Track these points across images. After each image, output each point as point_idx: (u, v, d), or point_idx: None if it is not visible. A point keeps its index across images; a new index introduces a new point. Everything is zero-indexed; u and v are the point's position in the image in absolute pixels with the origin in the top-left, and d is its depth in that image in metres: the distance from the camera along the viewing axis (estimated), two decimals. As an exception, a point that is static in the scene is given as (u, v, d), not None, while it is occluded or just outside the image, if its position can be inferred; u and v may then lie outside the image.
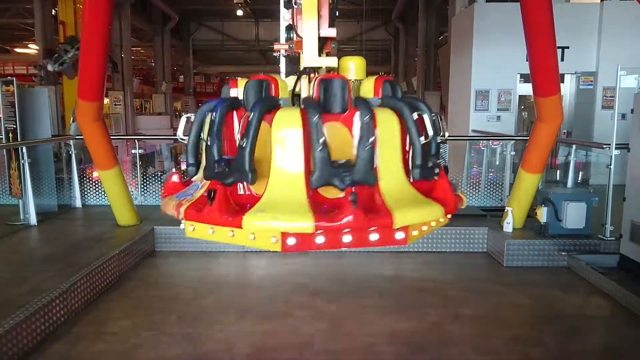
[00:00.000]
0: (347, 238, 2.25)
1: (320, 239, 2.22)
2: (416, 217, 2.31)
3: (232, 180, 2.29)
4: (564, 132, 10.83)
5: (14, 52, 33.70)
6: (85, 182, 7.82)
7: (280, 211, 2.16)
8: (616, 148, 5.82)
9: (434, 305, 4.74)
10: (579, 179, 9.36)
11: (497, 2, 11.23)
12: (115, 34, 19.37)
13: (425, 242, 6.32)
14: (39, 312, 3.89)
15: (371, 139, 2.24)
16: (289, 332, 4.22)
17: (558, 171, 9.52)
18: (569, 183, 7.13)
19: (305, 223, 2.11)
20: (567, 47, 10.30)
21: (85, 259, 5.01)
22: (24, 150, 6.55)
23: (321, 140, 2.17)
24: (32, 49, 30.13)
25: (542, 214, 5.94)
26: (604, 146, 6.14)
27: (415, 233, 2.38)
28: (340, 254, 6.23)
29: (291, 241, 2.26)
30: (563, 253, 5.72)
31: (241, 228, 2.19)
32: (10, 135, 6.78)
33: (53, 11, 18.10)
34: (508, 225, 6.13)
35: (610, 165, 5.89)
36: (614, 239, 5.70)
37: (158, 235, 6.33)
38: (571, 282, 5.33)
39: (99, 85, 5.79)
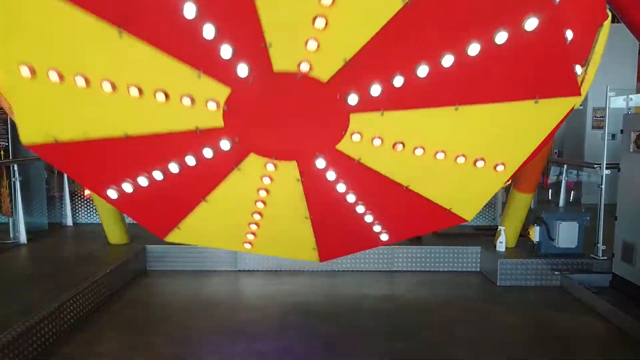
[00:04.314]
0: None
1: None
2: None
3: None
4: (555, 152, 10.93)
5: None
6: (76, 200, 7.77)
7: None
8: (607, 168, 5.88)
9: (427, 325, 4.71)
10: (571, 198, 9.43)
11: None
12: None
13: (418, 262, 6.31)
14: (28, 333, 3.82)
15: None
16: (282, 353, 4.17)
17: (550, 190, 9.59)
18: (561, 202, 7.18)
19: None
20: (557, 69, 10.42)
21: (75, 278, 4.95)
22: (16, 168, 6.51)
23: None
24: (26, 66, 30.16)
25: (535, 233, 5.95)
26: (595, 166, 6.20)
27: None
28: (333, 273, 6.21)
29: None
30: (556, 272, 5.72)
31: None
32: (2, 152, 6.76)
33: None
34: (501, 245, 6.14)
35: (601, 184, 5.93)
36: (606, 258, 5.71)
37: (150, 254, 6.28)
38: (564, 301, 5.33)
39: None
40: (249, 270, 6.24)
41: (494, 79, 2.58)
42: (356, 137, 2.82)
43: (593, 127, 10.67)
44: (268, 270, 6.24)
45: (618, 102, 5.66)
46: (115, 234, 6.37)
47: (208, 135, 2.73)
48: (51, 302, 4.28)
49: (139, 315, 4.91)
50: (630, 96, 5.52)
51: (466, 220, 3.44)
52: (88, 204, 7.72)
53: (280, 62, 2.43)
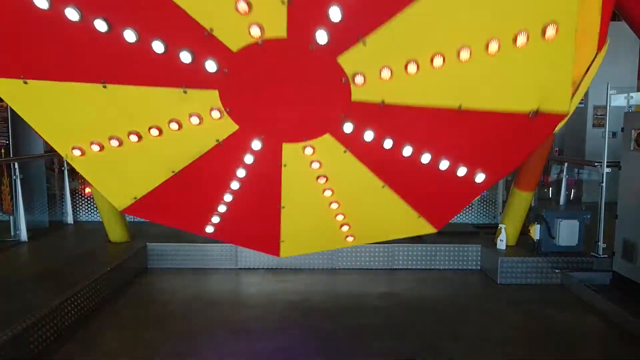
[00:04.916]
0: None
1: None
2: None
3: None
4: (556, 150, 10.92)
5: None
6: (77, 198, 7.78)
7: None
8: (607, 166, 5.87)
9: (428, 323, 4.71)
10: (572, 196, 9.42)
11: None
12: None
13: (419, 259, 6.31)
14: (29, 331, 3.83)
15: None
16: (282, 351, 4.18)
17: (550, 189, 9.59)
18: (562, 200, 7.18)
19: None
20: (558, 66, 10.40)
21: (76, 276, 4.95)
22: (16, 166, 6.52)
23: None
24: (26, 64, 30.14)
25: (535, 232, 5.96)
26: (596, 164, 6.19)
27: None
28: (334, 271, 6.21)
29: None
30: (556, 270, 5.73)
31: None
32: (3, 150, 6.77)
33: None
34: (501, 243, 6.14)
35: (602, 182, 5.93)
36: (606, 256, 5.72)
37: (150, 252, 6.28)
38: (565, 299, 5.33)
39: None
40: (249, 268, 6.25)
41: (417, 178, 3.14)
42: (308, 151, 3.20)
43: (594, 126, 10.66)
44: (269, 268, 6.25)
45: (619, 100, 5.66)
46: (116, 232, 6.37)
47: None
48: (52, 300, 4.28)
49: (140, 313, 4.91)
50: (631, 94, 5.53)
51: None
52: (89, 201, 7.72)
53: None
